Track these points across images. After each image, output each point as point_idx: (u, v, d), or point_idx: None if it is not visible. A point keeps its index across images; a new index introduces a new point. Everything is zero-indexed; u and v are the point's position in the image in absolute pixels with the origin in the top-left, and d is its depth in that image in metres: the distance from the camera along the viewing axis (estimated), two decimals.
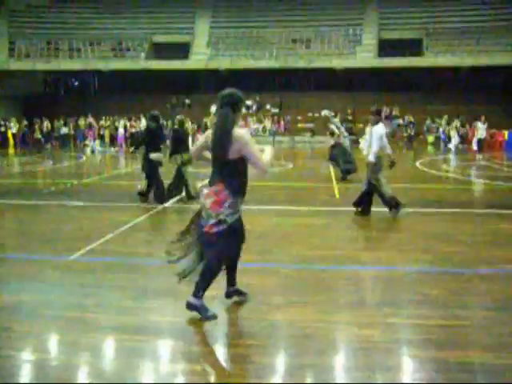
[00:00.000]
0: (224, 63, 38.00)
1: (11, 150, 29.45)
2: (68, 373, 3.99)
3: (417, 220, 9.57)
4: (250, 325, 4.91)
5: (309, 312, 5.06)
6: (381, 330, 4.65)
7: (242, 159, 4.71)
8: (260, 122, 35.34)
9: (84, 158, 24.95)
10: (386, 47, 37.74)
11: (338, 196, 10.58)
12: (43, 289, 5.83)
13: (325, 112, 35.88)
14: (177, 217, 10.21)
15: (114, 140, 33.17)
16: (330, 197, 11.74)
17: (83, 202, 11.43)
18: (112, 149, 30.90)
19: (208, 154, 4.97)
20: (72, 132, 33.88)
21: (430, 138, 32.91)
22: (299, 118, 35.96)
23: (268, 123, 35.28)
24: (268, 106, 37.70)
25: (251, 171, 4.82)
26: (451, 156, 25.12)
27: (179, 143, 11.54)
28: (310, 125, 34.82)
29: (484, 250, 7.35)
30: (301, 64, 37.26)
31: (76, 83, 46.41)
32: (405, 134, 33.59)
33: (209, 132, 4.94)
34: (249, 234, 5.18)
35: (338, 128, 15.26)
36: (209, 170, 4.94)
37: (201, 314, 4.82)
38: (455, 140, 28.62)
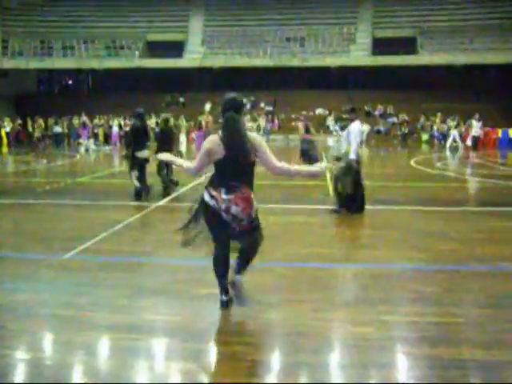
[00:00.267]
0: (218, 62, 38.00)
1: (5, 149, 29.33)
2: (62, 372, 3.98)
3: (411, 218, 9.59)
4: (245, 323, 4.91)
5: (304, 310, 5.07)
6: (375, 327, 4.65)
7: (255, 160, 4.82)
8: (254, 120, 35.35)
9: (78, 156, 24.89)
10: (380, 46, 37.82)
11: (332, 194, 10.58)
12: (37, 288, 5.81)
13: (319, 110, 36.03)
14: (170, 215, 10.19)
15: (108, 139, 33.11)
16: (324, 195, 11.74)
17: (77, 200, 11.41)
18: (106, 147, 30.83)
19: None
20: (66, 131, 33.78)
21: (425, 136, 32.99)
22: (293, 116, 35.99)
23: (262, 121, 35.29)
24: (262, 105, 37.72)
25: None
26: (447, 154, 25.16)
27: (165, 141, 11.64)
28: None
29: (478, 248, 7.37)
30: (295, 62, 37.31)
31: (70, 82, 46.31)
32: (399, 133, 33.69)
33: (212, 139, 4.84)
34: None
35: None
36: None
37: (240, 293, 4.92)
38: (454, 138, 28.55)
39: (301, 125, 18.03)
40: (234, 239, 4.95)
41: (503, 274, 6.23)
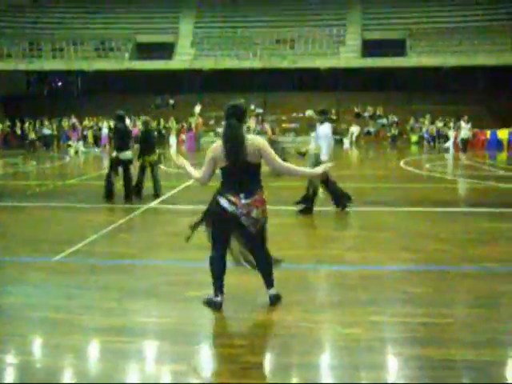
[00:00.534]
0: (208, 63, 37.98)
1: None
2: (53, 375, 3.96)
3: (401, 219, 9.62)
4: (235, 325, 4.91)
5: (293, 312, 5.07)
6: (365, 328, 4.66)
7: (260, 162, 4.91)
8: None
9: (67, 158, 24.78)
10: (370, 47, 37.97)
11: (321, 196, 10.59)
12: (27, 291, 5.78)
13: (309, 112, 36.08)
14: (160, 217, 10.18)
15: (97, 141, 32.97)
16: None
17: (67, 203, 11.36)
18: (96, 149, 30.71)
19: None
20: (55, 133, 33.62)
21: (414, 138, 33.12)
22: (284, 118, 36.01)
23: (252, 123, 35.24)
24: (252, 106, 37.72)
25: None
26: (445, 155, 25.27)
27: (146, 143, 11.82)
28: (294, 125, 34.98)
29: (468, 249, 7.40)
30: (285, 64, 37.35)
31: (59, 83, 46.08)
32: (388, 134, 33.77)
33: (215, 146, 4.91)
34: None
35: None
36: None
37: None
38: (452, 139, 28.56)
39: (268, 126, 19.55)
40: (246, 241, 5.10)
41: (492, 274, 6.26)
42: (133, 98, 36.71)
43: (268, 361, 4.25)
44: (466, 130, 26.70)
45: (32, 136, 31.33)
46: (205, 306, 5.13)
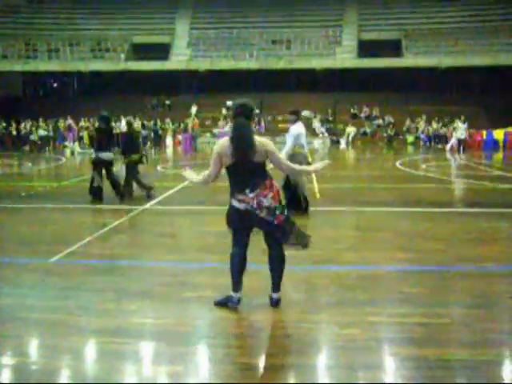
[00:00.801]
0: (204, 64, 37.98)
1: None
2: (49, 376, 3.94)
3: (398, 219, 9.63)
4: (232, 325, 4.90)
5: (290, 312, 5.07)
6: (362, 328, 4.66)
7: (264, 160, 4.95)
8: None
9: (64, 159, 24.72)
10: (366, 48, 38.02)
11: (318, 196, 10.58)
12: (23, 292, 5.76)
13: (305, 113, 36.08)
14: (156, 218, 10.16)
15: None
16: (310, 197, 11.73)
17: (63, 204, 11.34)
18: (92, 150, 30.57)
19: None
20: (51, 134, 33.55)
21: (410, 138, 33.18)
22: (280, 118, 36.01)
23: None
24: None
25: None
26: (439, 156, 25.31)
27: (129, 144, 12.10)
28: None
29: (464, 249, 7.42)
30: (281, 65, 37.37)
31: (55, 84, 45.99)
32: (384, 135, 33.83)
33: (222, 143, 4.92)
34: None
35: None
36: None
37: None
38: (454, 140, 28.52)
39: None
40: (266, 234, 5.13)
41: (489, 274, 6.27)
42: (129, 99, 36.68)
43: (264, 361, 4.23)
44: (462, 130, 26.76)
45: (28, 137, 31.24)
46: (201, 307, 5.12)
